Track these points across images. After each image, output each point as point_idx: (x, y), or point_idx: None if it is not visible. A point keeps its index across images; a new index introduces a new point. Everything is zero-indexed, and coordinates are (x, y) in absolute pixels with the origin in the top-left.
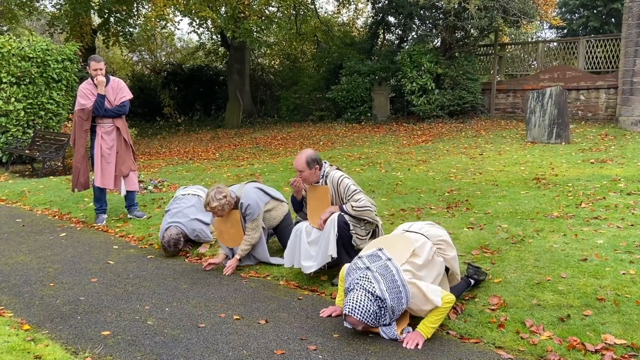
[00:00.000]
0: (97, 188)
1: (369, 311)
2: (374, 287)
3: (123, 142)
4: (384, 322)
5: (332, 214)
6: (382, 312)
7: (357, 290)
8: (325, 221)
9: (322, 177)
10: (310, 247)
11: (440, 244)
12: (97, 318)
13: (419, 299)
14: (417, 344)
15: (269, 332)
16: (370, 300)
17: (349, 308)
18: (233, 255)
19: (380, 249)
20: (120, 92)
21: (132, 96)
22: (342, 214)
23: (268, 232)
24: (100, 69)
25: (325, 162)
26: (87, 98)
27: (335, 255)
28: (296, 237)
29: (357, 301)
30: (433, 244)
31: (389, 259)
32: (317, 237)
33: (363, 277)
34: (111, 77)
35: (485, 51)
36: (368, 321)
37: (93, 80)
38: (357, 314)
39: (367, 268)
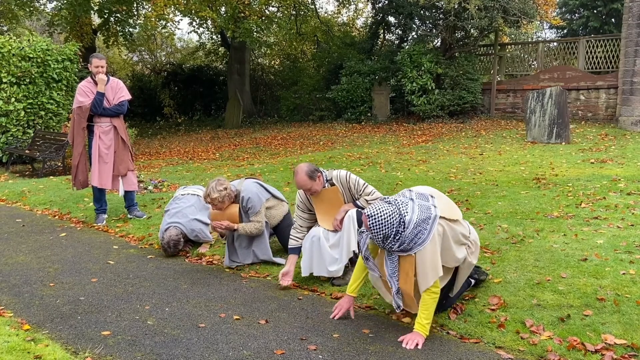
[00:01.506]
0: (96, 188)
1: (382, 228)
2: (407, 213)
3: (121, 141)
4: (387, 245)
5: (347, 211)
6: (394, 238)
7: (392, 205)
8: (341, 220)
9: (326, 182)
10: (333, 251)
11: (471, 244)
12: (97, 318)
13: (427, 256)
14: (417, 344)
15: (269, 332)
16: (394, 222)
17: (371, 211)
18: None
19: (432, 195)
20: (119, 91)
21: (130, 97)
22: (359, 210)
23: (269, 232)
24: (102, 67)
25: (324, 171)
26: (85, 96)
27: (357, 250)
28: (313, 244)
29: (382, 211)
30: (470, 238)
31: (435, 206)
32: (337, 240)
33: (404, 202)
34: (110, 77)
35: (485, 51)
36: (374, 233)
37: (93, 78)
38: (373, 219)
39: (412, 199)
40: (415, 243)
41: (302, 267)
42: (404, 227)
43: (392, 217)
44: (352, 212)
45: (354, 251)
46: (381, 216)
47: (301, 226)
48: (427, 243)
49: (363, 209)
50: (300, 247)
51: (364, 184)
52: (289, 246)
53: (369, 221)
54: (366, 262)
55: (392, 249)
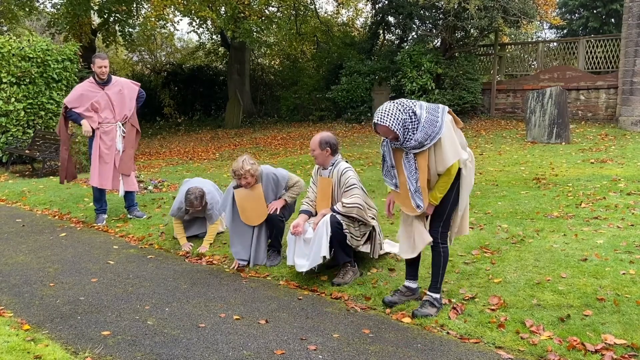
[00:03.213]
0: (96, 188)
1: (398, 118)
2: (414, 105)
3: (134, 138)
4: (410, 137)
5: (325, 215)
6: (412, 124)
7: (393, 103)
8: (317, 223)
9: (332, 166)
10: (304, 246)
11: (470, 156)
12: (97, 318)
13: (444, 141)
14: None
15: (269, 332)
16: (400, 110)
17: (378, 117)
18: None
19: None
20: (128, 93)
21: (138, 84)
22: (334, 214)
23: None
24: (105, 67)
25: (338, 154)
26: (79, 102)
27: (327, 255)
28: (292, 235)
29: (386, 110)
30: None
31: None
32: (310, 238)
33: (409, 100)
34: (113, 77)
35: (485, 51)
36: (396, 129)
37: (95, 79)
38: (386, 120)
39: (416, 100)
40: (431, 135)
41: (288, 257)
42: (414, 114)
43: (396, 108)
44: (327, 217)
45: (324, 256)
46: (390, 110)
47: (311, 199)
48: (442, 131)
49: (338, 213)
50: (311, 211)
51: (352, 185)
52: (301, 209)
53: (384, 122)
54: (388, 173)
55: (410, 145)
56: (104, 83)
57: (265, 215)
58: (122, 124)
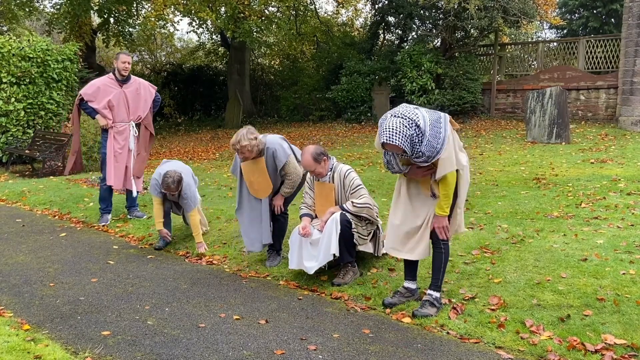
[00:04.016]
0: (105, 188)
1: (405, 135)
2: (418, 119)
3: (148, 142)
4: (417, 150)
5: (333, 214)
6: (417, 138)
7: (396, 117)
8: (325, 222)
9: (330, 171)
10: (312, 248)
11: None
12: (97, 318)
13: (446, 157)
14: (444, 227)
15: (269, 332)
16: (406, 126)
17: (387, 136)
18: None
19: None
20: (143, 94)
21: (155, 88)
22: (344, 212)
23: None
24: (129, 63)
25: (332, 157)
26: (95, 96)
27: (337, 253)
28: (296, 238)
29: (393, 128)
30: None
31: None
32: (317, 238)
33: (410, 111)
34: (132, 77)
35: (485, 51)
36: (405, 146)
37: (115, 75)
38: (396, 139)
39: (417, 108)
40: (437, 148)
41: (290, 260)
42: (421, 131)
43: (401, 124)
44: (337, 215)
45: (333, 254)
46: (397, 128)
47: (309, 204)
48: (446, 143)
49: (348, 211)
50: (312, 214)
51: (358, 186)
52: (301, 213)
53: (394, 141)
54: (396, 172)
55: (419, 160)
56: (123, 81)
57: (270, 188)
58: (136, 125)
